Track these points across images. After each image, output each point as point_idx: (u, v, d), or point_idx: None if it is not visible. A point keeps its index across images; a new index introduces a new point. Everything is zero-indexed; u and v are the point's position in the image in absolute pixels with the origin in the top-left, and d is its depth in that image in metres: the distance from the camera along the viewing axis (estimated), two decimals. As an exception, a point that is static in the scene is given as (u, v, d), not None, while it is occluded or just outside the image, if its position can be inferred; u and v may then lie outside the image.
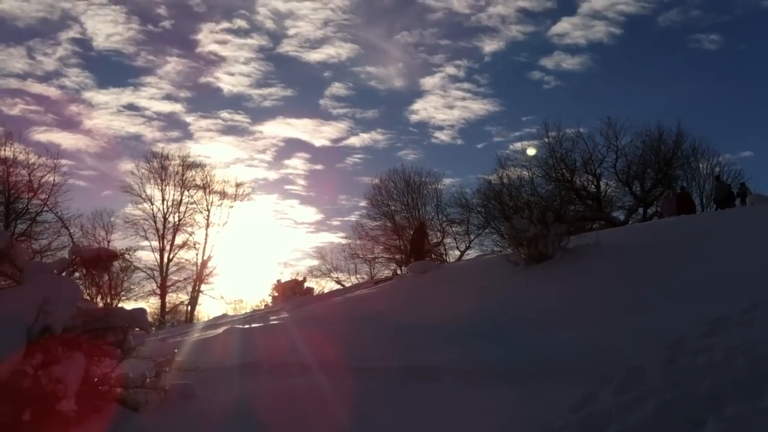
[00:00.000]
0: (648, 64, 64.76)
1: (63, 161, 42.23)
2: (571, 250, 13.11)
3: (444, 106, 67.91)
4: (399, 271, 30.71)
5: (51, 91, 56.88)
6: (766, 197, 21.11)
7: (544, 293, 10.36)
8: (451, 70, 67.24)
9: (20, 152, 39.40)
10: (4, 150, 38.57)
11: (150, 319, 8.12)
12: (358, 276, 46.25)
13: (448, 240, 46.60)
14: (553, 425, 4.49)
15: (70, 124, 67.65)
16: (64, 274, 6.98)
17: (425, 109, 69.83)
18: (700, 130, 64.87)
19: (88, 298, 7.80)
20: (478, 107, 69.77)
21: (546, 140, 43.41)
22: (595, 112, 77.97)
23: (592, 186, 43.31)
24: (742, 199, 23.37)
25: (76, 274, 7.31)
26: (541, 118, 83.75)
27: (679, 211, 22.08)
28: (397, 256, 46.72)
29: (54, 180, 40.05)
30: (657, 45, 64.02)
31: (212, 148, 66.33)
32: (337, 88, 67.32)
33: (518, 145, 58.39)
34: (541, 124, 58.46)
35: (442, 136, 66.90)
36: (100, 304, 7.95)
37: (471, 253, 43.16)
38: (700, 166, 41.10)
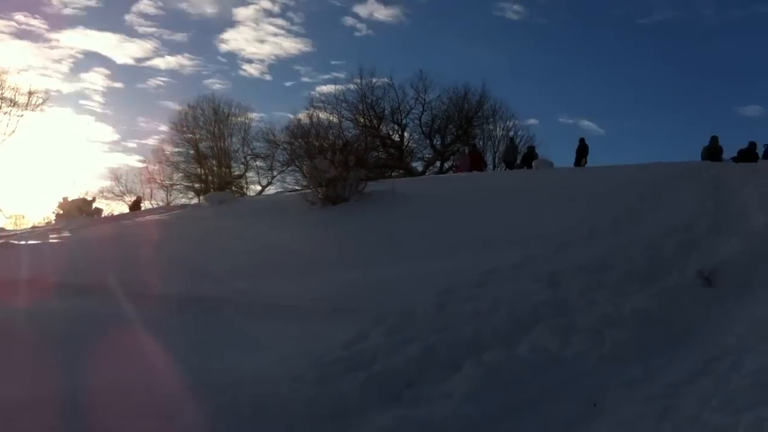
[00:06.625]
0: (458, 26, 66.27)
1: None
2: (368, 195, 13.42)
3: (255, 39, 66.78)
4: (198, 200, 30.03)
5: None
6: (549, 162, 22.68)
7: (334, 234, 10.58)
8: (265, 3, 66.03)
9: None
10: None
11: None
12: (153, 201, 44.55)
13: (250, 174, 46.03)
14: (324, 360, 4.64)
15: None
16: None
17: (236, 39, 68.36)
18: (500, 94, 67.83)
19: None
20: (290, 45, 69.02)
21: (357, 85, 43.72)
22: (406, 66, 78.62)
23: (397, 135, 44.30)
24: (524, 160, 24.66)
25: None
26: (351, 64, 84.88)
27: (471, 168, 23.13)
28: (197, 185, 45.54)
29: None
30: (466, 8, 65.70)
31: (1, 52, 60.26)
32: (145, 5, 63.51)
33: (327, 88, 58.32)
34: (354, 69, 58.26)
35: (251, 70, 64.52)
36: None
37: (272, 189, 42.96)
38: (497, 127, 43.18)
